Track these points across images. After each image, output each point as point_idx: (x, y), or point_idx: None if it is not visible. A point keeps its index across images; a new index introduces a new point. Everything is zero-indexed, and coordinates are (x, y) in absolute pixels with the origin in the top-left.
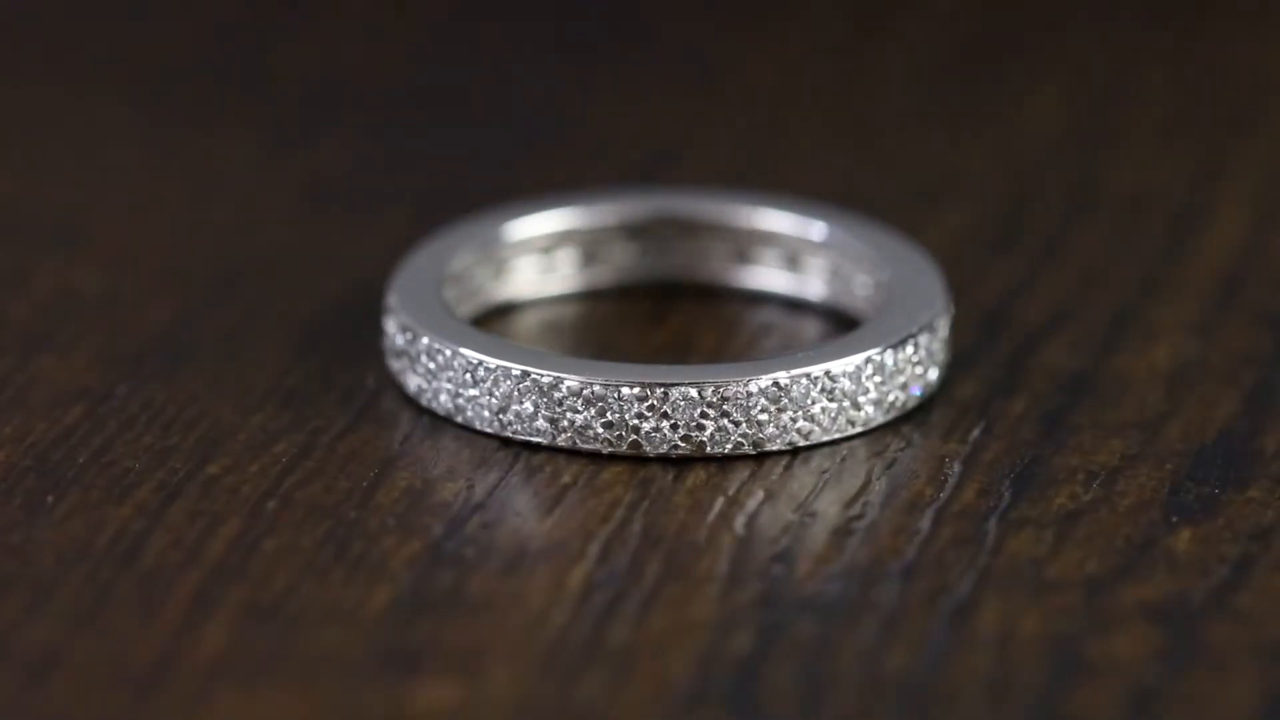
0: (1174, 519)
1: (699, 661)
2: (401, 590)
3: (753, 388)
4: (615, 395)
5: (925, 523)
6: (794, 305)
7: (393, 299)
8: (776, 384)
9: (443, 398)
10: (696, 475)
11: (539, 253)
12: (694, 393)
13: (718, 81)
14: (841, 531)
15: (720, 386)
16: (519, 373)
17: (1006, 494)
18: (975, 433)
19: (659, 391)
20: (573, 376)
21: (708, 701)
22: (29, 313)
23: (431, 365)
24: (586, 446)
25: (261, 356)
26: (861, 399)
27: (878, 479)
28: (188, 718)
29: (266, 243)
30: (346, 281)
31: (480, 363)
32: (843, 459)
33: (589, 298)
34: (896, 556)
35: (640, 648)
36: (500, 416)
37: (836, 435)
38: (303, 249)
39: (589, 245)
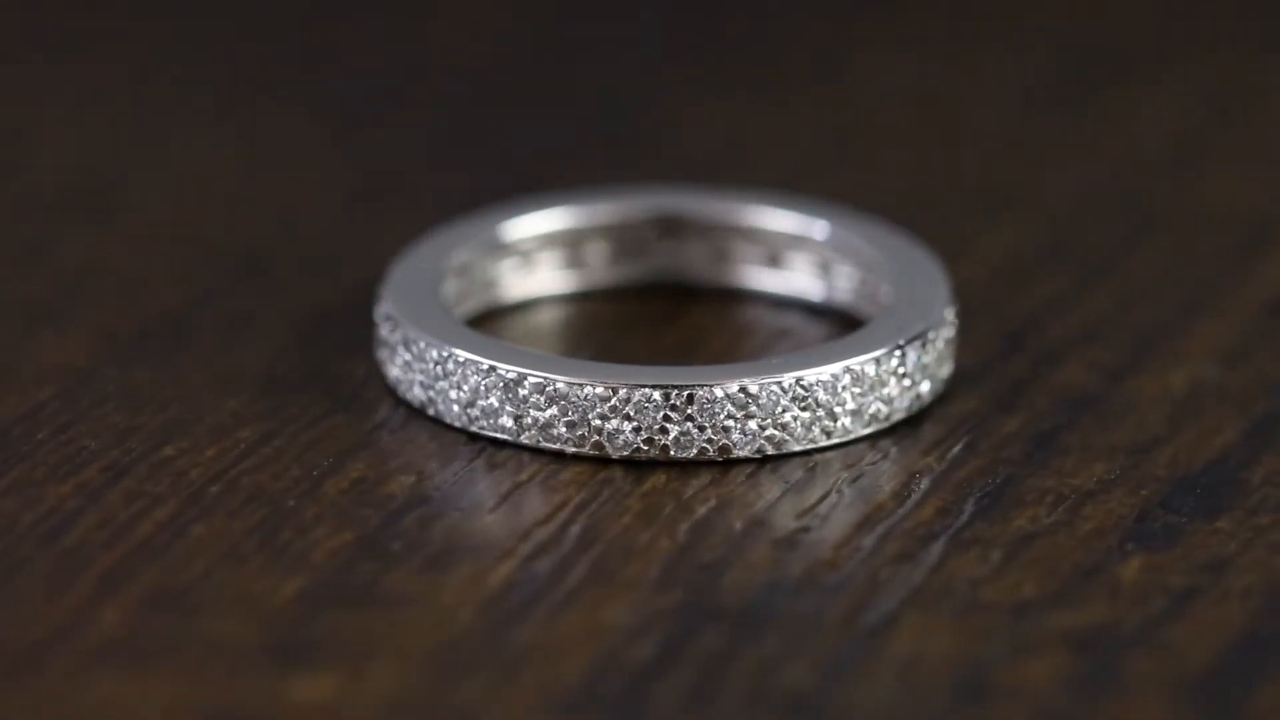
0: (1129, 547)
1: (593, 667)
2: (314, 582)
3: (718, 393)
4: (579, 394)
5: (871, 539)
6: (820, 311)
7: (383, 290)
8: (744, 390)
9: (416, 389)
10: (656, 480)
11: (548, 250)
12: (657, 395)
13: (817, 81)
14: (784, 543)
15: (684, 390)
16: (486, 367)
17: (966, 513)
18: (956, 449)
19: (621, 392)
20: (536, 373)
21: (589, 709)
22: (45, 288)
23: (408, 357)
24: (549, 446)
25: (261, 343)
26: (838, 410)
27: (839, 492)
28: (58, 701)
29: (303, 229)
30: (372, 272)
31: (450, 355)
32: (812, 469)
33: (600, 297)
34: (831, 571)
35: (537, 651)
36: (468, 411)
37: (810, 445)
38: (338, 237)
39: (612, 241)
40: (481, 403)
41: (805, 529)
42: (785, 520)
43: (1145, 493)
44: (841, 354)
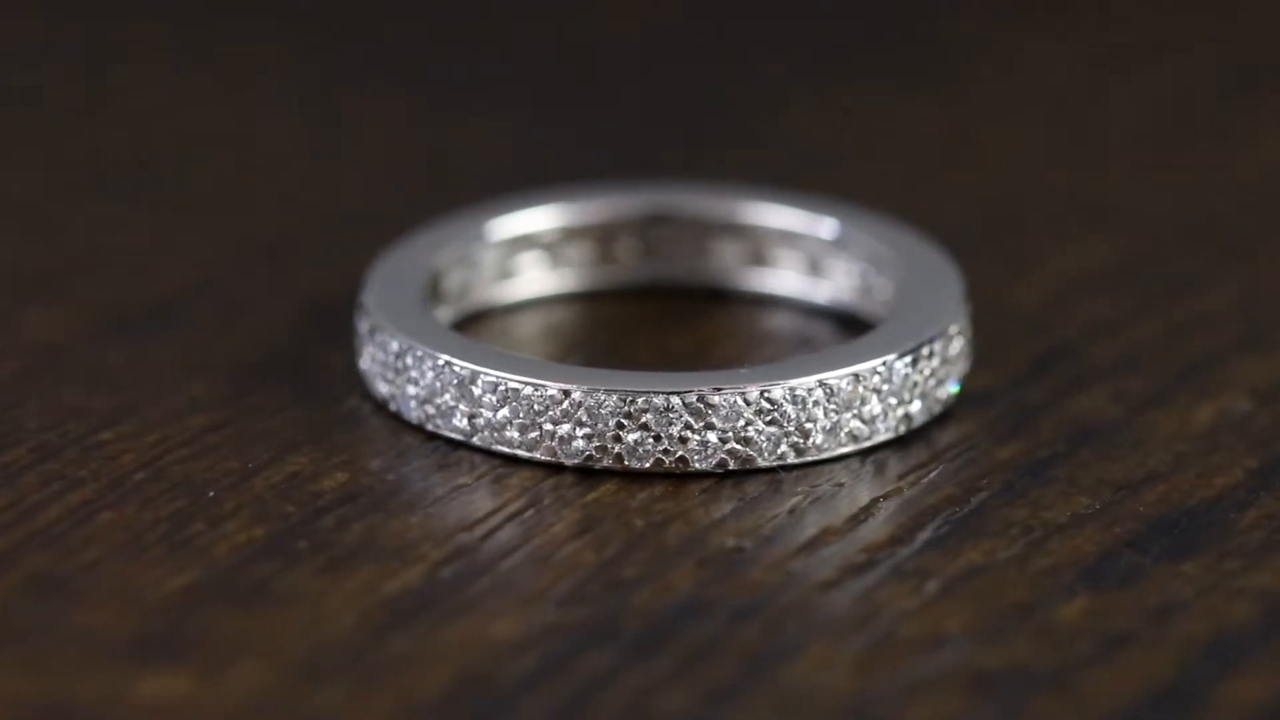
0: (1078, 587)
1: (464, 681)
2: (205, 578)
3: (674, 401)
4: (531, 396)
5: (807, 564)
6: (850, 320)
7: (366, 280)
8: (703, 400)
9: (380, 383)
10: (605, 490)
11: (544, 248)
12: (610, 401)
13: (943, 82)
14: (712, 563)
15: (639, 397)
16: (442, 362)
17: (918, 542)
18: (933, 474)
19: (575, 396)
20: (492, 371)
21: None
22: (55, 260)
23: (372, 349)
24: (501, 449)
25: (251, 331)
26: (809, 426)
27: (794, 513)
28: None
29: (345, 214)
30: None
31: (409, 348)
32: (775, 486)
33: (603, 299)
34: (747, 595)
35: (411, 661)
36: (425, 408)
37: (775, 462)
38: (378, 222)
39: (600, 242)
40: (438, 400)
41: (740, 549)
42: (723, 539)
43: (1118, 530)
44: (817, 367)
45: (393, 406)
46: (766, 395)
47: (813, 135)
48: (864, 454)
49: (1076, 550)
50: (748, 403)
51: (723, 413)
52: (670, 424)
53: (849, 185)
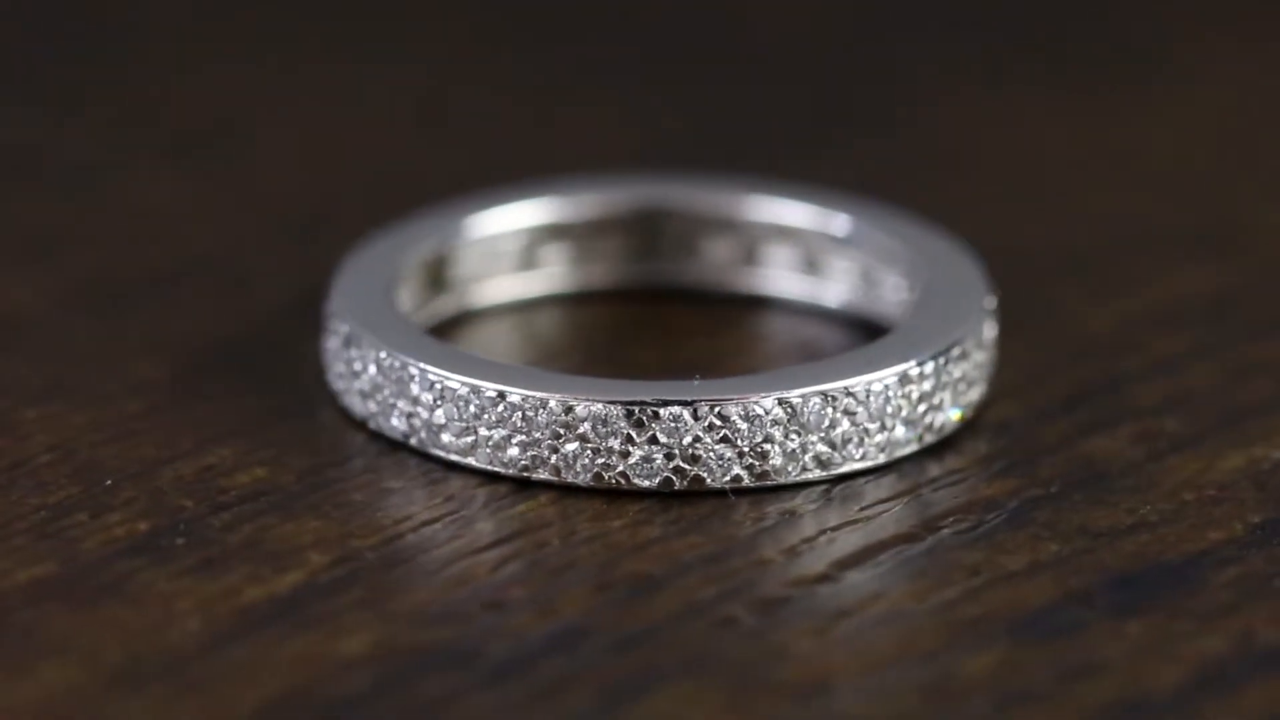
0: (1002, 641)
1: (285, 697)
2: (61, 571)
3: (614, 411)
4: (473, 396)
5: (714, 596)
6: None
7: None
8: (645, 412)
9: (333, 376)
10: (536, 503)
11: (525, 249)
12: (548, 407)
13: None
14: (611, 589)
15: (577, 404)
16: (383, 355)
17: (847, 581)
18: (897, 508)
19: (511, 399)
20: (429, 368)
21: None
22: (75, 221)
23: (327, 337)
24: (439, 453)
25: (238, 312)
26: (766, 447)
27: (727, 541)
28: None
29: (379, 198)
30: None
31: (355, 336)
32: (723, 512)
33: (595, 300)
34: (635, 625)
35: (239, 673)
36: (368, 404)
37: (727, 485)
38: (418, 206)
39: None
40: (379, 396)
41: (649, 577)
42: (637, 565)
43: (1074, 582)
44: (778, 383)
45: (342, 401)
46: (718, 411)
47: (945, 133)
48: (834, 481)
49: (1017, 600)
50: (696, 417)
51: (667, 427)
52: (609, 436)
53: (969, 188)
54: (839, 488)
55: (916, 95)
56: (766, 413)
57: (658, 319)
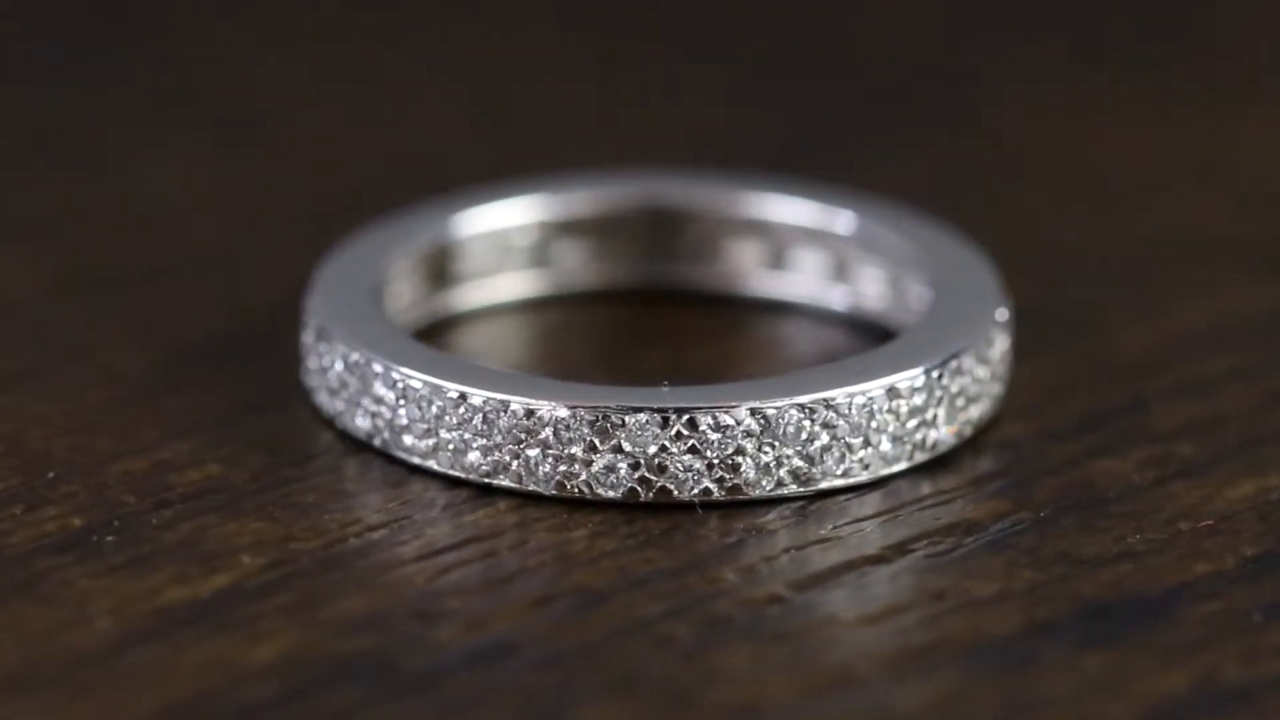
0: (944, 674)
1: (181, 704)
2: None
3: (580, 415)
4: (435, 397)
5: (654, 615)
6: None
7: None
8: (609, 419)
9: (304, 371)
10: (492, 510)
11: (532, 246)
12: (509, 410)
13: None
14: (548, 604)
15: (538, 408)
16: (349, 351)
17: (797, 604)
18: (870, 529)
19: (473, 401)
20: (393, 366)
21: None
22: (78, 204)
23: (307, 335)
24: (401, 455)
25: (234, 305)
26: (738, 460)
27: (682, 557)
28: None
29: (411, 194)
30: None
31: (324, 332)
32: (689, 526)
33: (585, 301)
34: (564, 641)
35: (140, 677)
36: (334, 402)
37: (696, 498)
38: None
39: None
40: (345, 393)
41: (596, 590)
42: (582, 579)
43: (1041, 612)
44: (753, 392)
45: (314, 399)
46: (687, 420)
47: (1027, 132)
48: (814, 497)
49: (975, 629)
50: (663, 426)
51: (633, 435)
52: (572, 443)
53: (1035, 192)
54: (817, 505)
55: (990, 94)
56: (738, 423)
57: (670, 321)
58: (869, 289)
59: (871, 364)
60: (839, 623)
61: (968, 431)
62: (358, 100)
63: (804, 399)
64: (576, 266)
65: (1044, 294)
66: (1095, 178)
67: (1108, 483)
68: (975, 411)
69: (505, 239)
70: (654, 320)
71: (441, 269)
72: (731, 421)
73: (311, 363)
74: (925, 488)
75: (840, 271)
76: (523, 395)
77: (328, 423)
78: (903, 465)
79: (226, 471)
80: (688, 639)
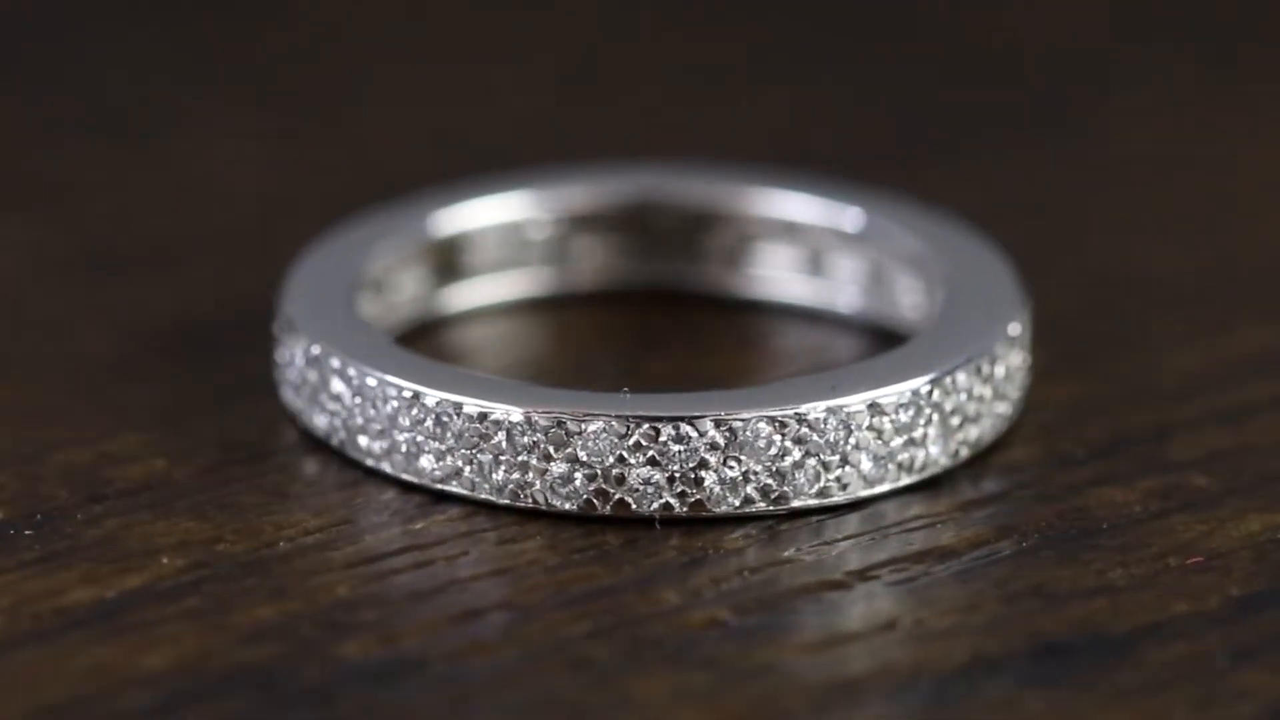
0: (866, 707)
1: (63, 706)
2: None
3: (538, 420)
4: (390, 396)
5: (576, 636)
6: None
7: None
8: (563, 425)
9: (275, 366)
10: (438, 520)
11: (537, 242)
12: (463, 414)
13: None
14: (464, 619)
15: (491, 412)
16: (305, 343)
17: (736, 628)
18: (835, 552)
19: (426, 402)
20: (351, 361)
21: None
22: (104, 176)
23: (277, 328)
24: (356, 457)
25: (223, 289)
26: (701, 474)
27: (626, 574)
28: None
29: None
30: None
31: (287, 324)
32: (645, 542)
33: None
34: (480, 658)
35: (25, 678)
36: (297, 397)
37: (655, 512)
38: None
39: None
40: (306, 390)
41: (524, 606)
42: (517, 594)
43: (992, 648)
44: (720, 403)
45: (283, 396)
46: (649, 429)
47: (1136, 137)
48: (788, 516)
49: (915, 663)
50: (621, 435)
51: (590, 444)
52: (525, 450)
53: (1122, 203)
54: (789, 525)
55: (1094, 102)
56: (701, 435)
57: (687, 325)
58: (905, 299)
59: (852, 376)
60: (774, 651)
61: (966, 453)
62: (410, 81)
63: (774, 411)
64: (593, 264)
65: (1097, 310)
66: (1184, 193)
67: (1105, 513)
68: (974, 432)
69: (518, 232)
70: (669, 323)
71: (448, 262)
72: (694, 433)
73: (279, 356)
74: (914, 510)
75: (877, 279)
76: (477, 397)
77: (294, 420)
78: (885, 487)
79: (172, 467)
80: (605, 662)
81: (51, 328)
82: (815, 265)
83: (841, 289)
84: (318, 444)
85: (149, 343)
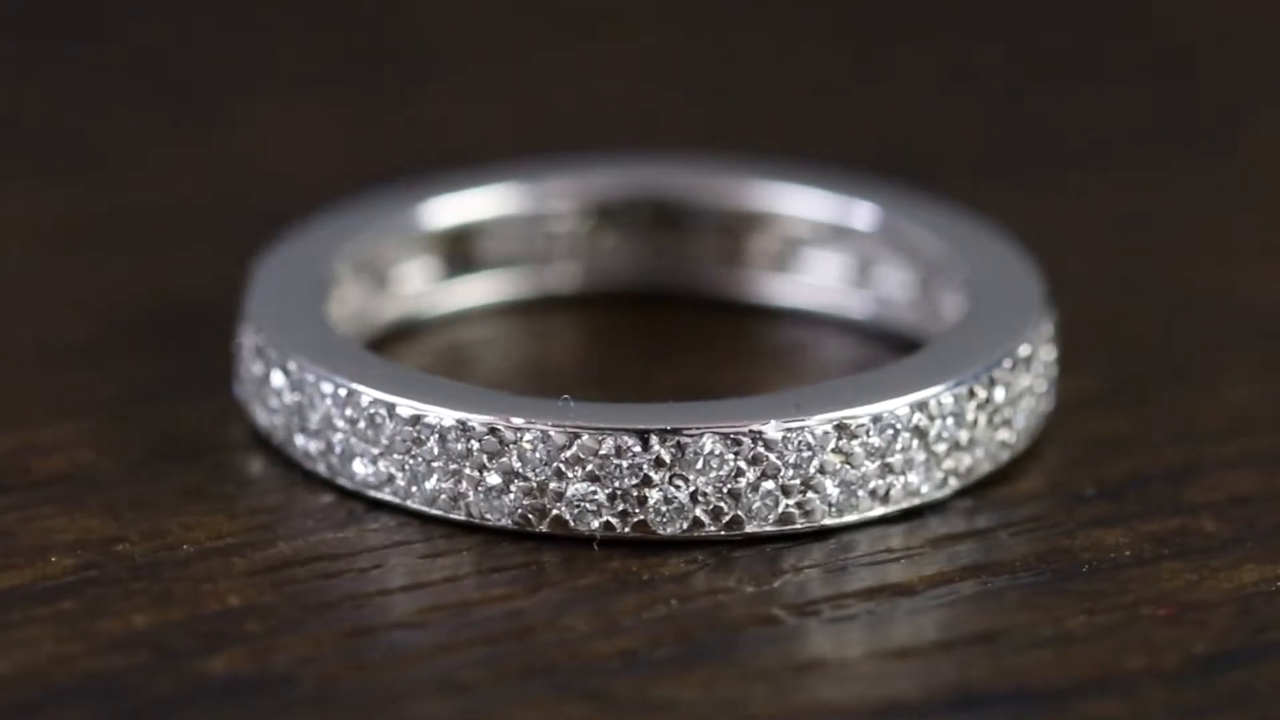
0: None
1: None
2: None
3: (474, 425)
4: (328, 395)
5: (475, 658)
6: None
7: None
8: (498, 434)
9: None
10: (368, 529)
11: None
12: (397, 417)
13: None
14: (373, 637)
15: (424, 416)
16: (251, 334)
17: (652, 660)
18: (782, 581)
19: (362, 403)
20: (294, 357)
21: None
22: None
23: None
24: (295, 457)
25: (222, 270)
26: (645, 492)
27: (554, 601)
28: None
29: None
30: None
31: (244, 322)
32: (582, 566)
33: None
34: (355, 679)
35: None
36: (245, 389)
37: (594, 532)
38: None
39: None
40: (252, 384)
41: (419, 626)
42: (418, 614)
43: (913, 692)
44: (670, 416)
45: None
46: (587, 440)
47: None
48: (744, 542)
49: (819, 707)
50: (559, 447)
51: (526, 454)
52: (458, 458)
53: (1238, 226)
54: (744, 552)
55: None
56: (645, 449)
57: (686, 329)
58: (947, 310)
59: (821, 394)
60: (673, 688)
61: (953, 483)
62: (486, 73)
63: (727, 428)
64: (611, 262)
65: (1170, 336)
66: None
67: (1090, 555)
68: (966, 461)
69: (530, 225)
70: (666, 327)
71: (450, 257)
72: (636, 447)
73: (233, 345)
74: (889, 543)
75: (926, 289)
76: (411, 398)
77: (245, 417)
78: (855, 517)
79: (99, 460)
80: (484, 690)
81: (25, 305)
82: (862, 275)
83: (884, 300)
84: (263, 443)
85: (121, 325)
